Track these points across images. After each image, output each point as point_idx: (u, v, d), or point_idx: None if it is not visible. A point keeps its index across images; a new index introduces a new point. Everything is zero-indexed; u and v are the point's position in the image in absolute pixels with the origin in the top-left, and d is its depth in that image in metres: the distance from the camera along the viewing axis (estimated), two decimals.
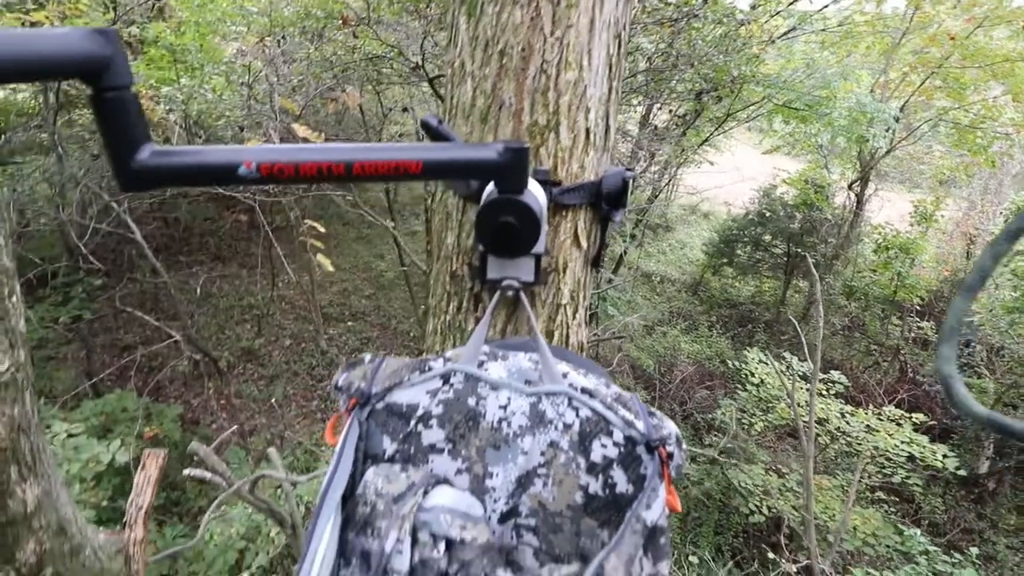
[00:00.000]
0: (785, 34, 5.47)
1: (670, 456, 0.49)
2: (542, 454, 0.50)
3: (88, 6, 3.66)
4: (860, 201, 8.18)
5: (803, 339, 2.90)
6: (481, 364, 0.54)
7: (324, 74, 4.17)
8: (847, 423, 4.79)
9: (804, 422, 2.20)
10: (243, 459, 5.21)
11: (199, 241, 8.47)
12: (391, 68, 4.57)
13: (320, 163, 0.41)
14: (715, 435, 5.92)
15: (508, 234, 0.51)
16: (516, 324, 0.64)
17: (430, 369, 0.53)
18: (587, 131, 0.63)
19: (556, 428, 0.50)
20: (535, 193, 0.53)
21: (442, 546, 0.45)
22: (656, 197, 6.47)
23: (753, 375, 5.22)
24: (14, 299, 1.05)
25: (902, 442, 4.48)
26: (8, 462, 1.07)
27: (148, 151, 0.40)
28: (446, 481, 0.51)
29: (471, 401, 0.51)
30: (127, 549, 1.36)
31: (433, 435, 0.51)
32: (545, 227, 0.56)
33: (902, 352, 7.66)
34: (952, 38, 5.89)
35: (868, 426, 4.75)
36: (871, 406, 5.00)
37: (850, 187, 8.39)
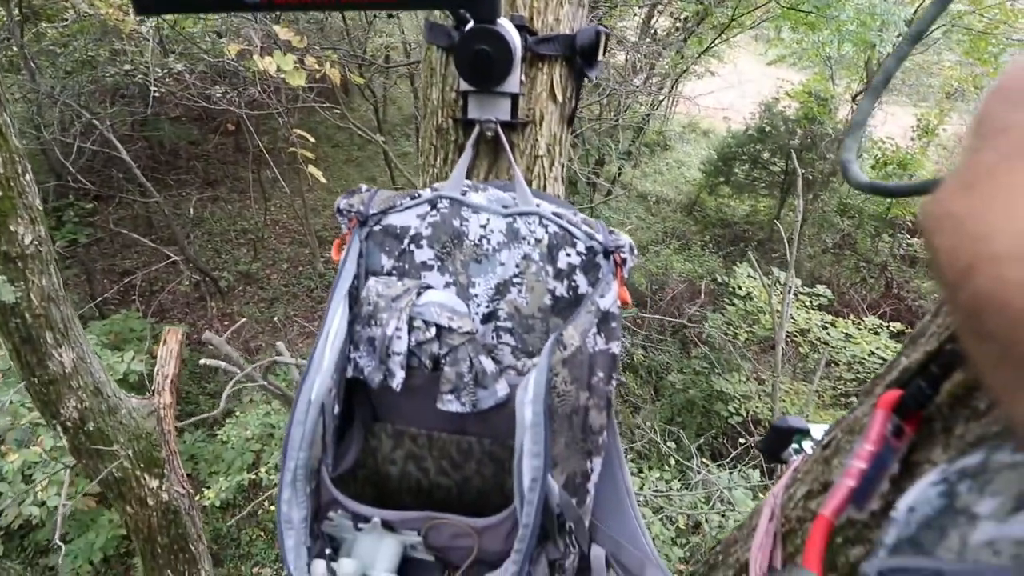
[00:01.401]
0: None
1: (623, 261, 0.57)
2: (517, 265, 0.59)
3: None
4: None
5: (788, 254, 2.98)
6: (464, 194, 0.61)
7: None
8: (827, 333, 5.00)
9: (778, 312, 2.34)
10: None
11: (186, 165, 8.29)
12: None
13: None
14: (702, 347, 6.20)
15: (484, 62, 0.56)
16: (497, 171, 0.71)
17: (419, 196, 0.61)
18: None
19: (529, 243, 0.59)
20: (509, 30, 0.57)
21: (433, 330, 0.55)
22: (655, 108, 6.29)
23: (741, 288, 5.38)
24: (27, 177, 1.10)
25: (876, 349, 4.70)
26: (43, 327, 1.18)
27: None
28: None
29: (456, 222, 0.59)
30: (157, 411, 1.53)
31: (424, 253, 0.60)
32: (519, 62, 0.61)
33: (889, 268, 7.82)
34: None
35: (847, 335, 4.97)
36: (852, 317, 5.20)
37: (854, 100, 8.15)
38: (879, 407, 0.38)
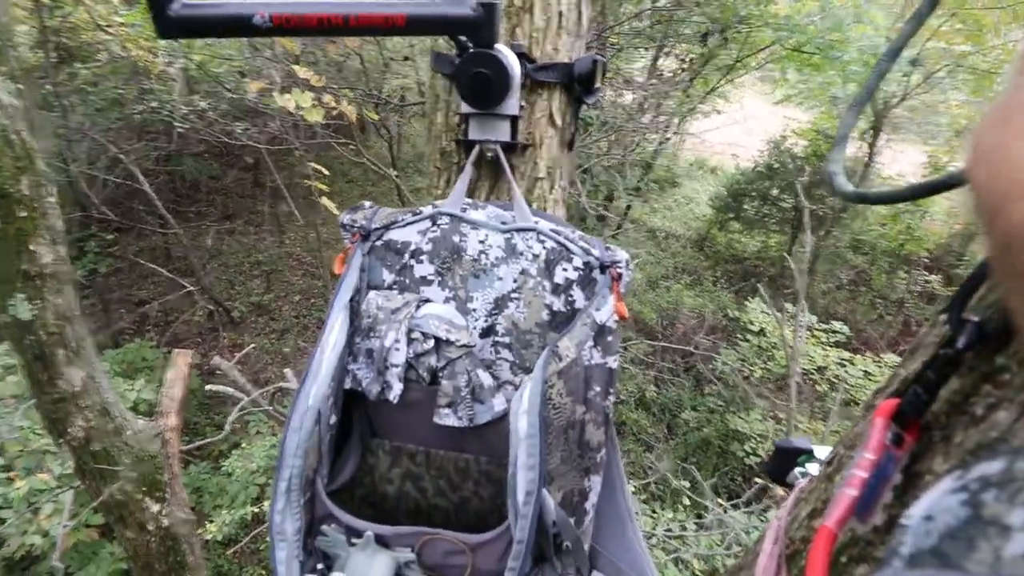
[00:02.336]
0: None
1: (620, 275, 0.58)
2: (514, 280, 0.59)
3: None
4: (871, 152, 8.04)
5: (798, 286, 2.96)
6: (464, 210, 0.63)
7: None
8: (845, 371, 4.87)
9: (790, 348, 2.31)
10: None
11: (206, 198, 8.55)
12: None
13: (321, 15, 0.49)
14: (715, 385, 6.07)
15: (483, 84, 0.59)
16: (498, 192, 0.72)
17: (420, 212, 0.62)
18: (560, 14, 0.69)
19: (526, 258, 0.59)
20: (507, 55, 0.60)
21: (431, 342, 0.55)
22: (663, 146, 6.40)
23: (753, 323, 5.31)
24: (51, 199, 1.16)
25: None
26: (56, 345, 1.21)
27: (180, 3, 0.48)
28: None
29: (455, 238, 0.61)
30: (163, 434, 1.53)
31: (424, 268, 0.61)
32: (517, 85, 0.63)
33: (906, 305, 7.69)
34: None
35: (866, 372, 4.84)
36: (869, 354, 5.08)
37: (862, 136, 8.23)
38: (877, 415, 0.37)
